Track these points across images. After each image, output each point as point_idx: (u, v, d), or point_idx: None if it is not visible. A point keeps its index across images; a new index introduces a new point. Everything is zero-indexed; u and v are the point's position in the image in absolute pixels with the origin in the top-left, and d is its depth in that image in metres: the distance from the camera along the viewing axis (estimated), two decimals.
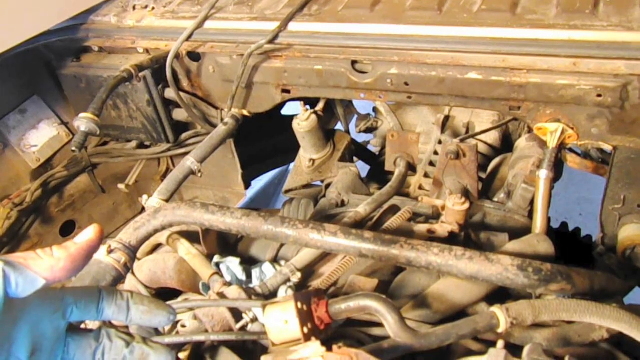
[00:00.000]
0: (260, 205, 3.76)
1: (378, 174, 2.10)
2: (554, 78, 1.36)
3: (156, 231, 1.24)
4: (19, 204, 1.96)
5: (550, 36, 1.37)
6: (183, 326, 1.26)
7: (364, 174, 2.22)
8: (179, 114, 1.91)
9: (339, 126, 2.32)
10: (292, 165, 2.06)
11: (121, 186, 2.13)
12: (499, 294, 1.17)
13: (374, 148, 2.46)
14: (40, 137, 2.05)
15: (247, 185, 2.19)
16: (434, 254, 1.03)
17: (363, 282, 1.19)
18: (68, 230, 2.20)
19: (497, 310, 0.96)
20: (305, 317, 0.96)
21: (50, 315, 0.73)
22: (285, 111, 2.17)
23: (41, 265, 0.69)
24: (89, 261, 0.76)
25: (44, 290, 0.69)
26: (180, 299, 1.36)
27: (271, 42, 1.63)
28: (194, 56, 1.80)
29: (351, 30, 1.59)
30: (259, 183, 3.84)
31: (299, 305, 0.96)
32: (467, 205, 1.28)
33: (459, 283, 1.12)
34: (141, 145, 2.12)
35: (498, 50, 1.41)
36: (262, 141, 2.44)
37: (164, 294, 1.45)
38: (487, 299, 1.14)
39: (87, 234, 0.77)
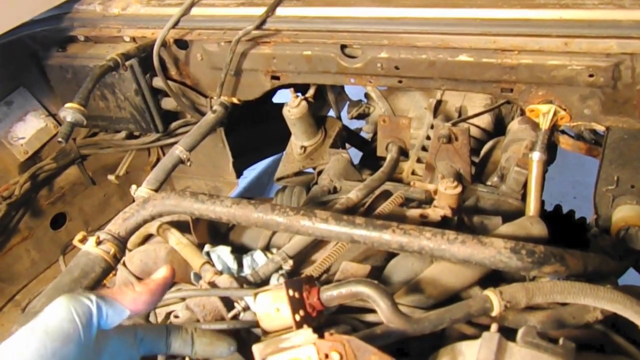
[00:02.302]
0: (254, 194, 3.75)
1: (370, 161, 2.08)
2: (545, 59, 1.35)
3: (146, 221, 1.24)
4: (7, 197, 1.94)
5: (540, 16, 1.35)
6: (176, 317, 1.25)
7: (356, 161, 2.21)
8: (168, 103, 1.88)
9: (331, 113, 2.30)
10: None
11: (111, 177, 2.11)
12: (493, 278, 1.16)
13: (366, 134, 2.44)
14: (28, 129, 2.02)
15: (239, 174, 2.17)
16: (426, 238, 1.02)
17: (355, 268, 1.18)
18: (59, 223, 2.18)
19: (490, 293, 0.95)
20: (297, 304, 0.95)
21: (126, 348, 0.81)
22: (277, 99, 2.15)
23: (126, 298, 0.78)
24: (164, 295, 0.87)
25: (119, 326, 0.78)
26: (173, 289, 1.35)
27: (259, 27, 1.60)
28: (182, 44, 1.77)
29: (340, 13, 1.57)
30: (252, 172, 3.83)
31: (291, 292, 0.94)
32: (459, 189, 1.27)
33: (452, 267, 1.11)
34: (130, 136, 2.10)
35: (488, 31, 1.39)
36: (254, 130, 2.42)
37: None
38: (481, 282, 1.13)
39: (162, 272, 0.88)
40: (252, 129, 2.46)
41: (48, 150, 2.10)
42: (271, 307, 0.94)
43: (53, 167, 2.07)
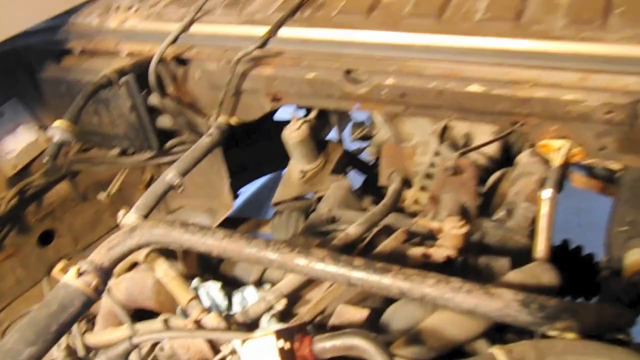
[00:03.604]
0: (252, 209, 3.69)
1: (373, 185, 2.01)
2: (561, 93, 1.28)
3: (132, 251, 1.18)
4: None
5: (557, 48, 1.29)
6: (162, 349, 1.18)
7: (358, 184, 2.14)
8: (164, 121, 1.81)
9: (333, 133, 2.24)
10: (284, 171, 1.98)
11: (101, 196, 2.03)
12: (499, 327, 1.09)
13: (369, 157, 2.38)
14: (18, 142, 1.95)
15: (235, 196, 2.09)
16: (429, 285, 0.96)
17: (352, 312, 1.10)
18: (47, 240, 2.11)
19: (498, 351, 0.89)
20: (287, 355, 0.89)
21: None
22: (278, 115, 2.07)
23: None
24: None
25: None
26: (158, 319, 1.28)
27: (261, 48, 1.55)
28: (181, 61, 1.71)
29: (345, 37, 1.51)
30: (251, 187, 3.76)
31: (281, 343, 0.89)
32: (465, 229, 1.20)
33: (456, 317, 1.05)
34: (124, 152, 2.02)
35: (501, 62, 1.33)
36: (252, 147, 2.35)
37: (142, 313, 1.38)
38: (486, 333, 1.06)
39: None
40: (250, 147, 2.39)
41: (38, 165, 2.03)
42: (259, 357, 0.88)
43: (42, 182, 2.00)
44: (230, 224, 2.46)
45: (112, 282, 1.42)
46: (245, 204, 3.78)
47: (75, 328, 1.37)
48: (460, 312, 0.97)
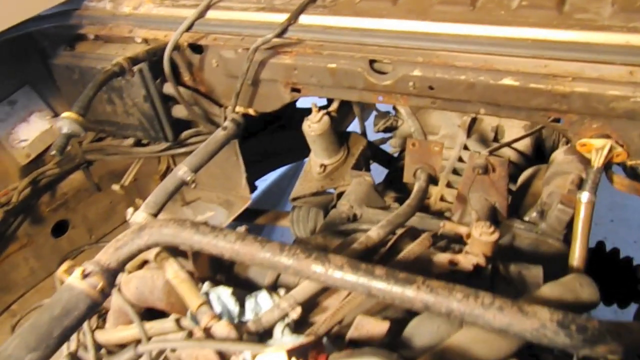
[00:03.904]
0: (272, 199, 3.63)
1: (396, 179, 1.92)
2: (605, 88, 1.18)
3: (140, 251, 1.14)
4: (5, 203, 1.82)
5: (603, 39, 1.18)
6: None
7: (381, 177, 2.05)
8: (179, 111, 1.74)
9: (355, 124, 2.14)
10: (305, 160, 1.89)
11: (115, 187, 1.98)
12: (532, 346, 1.00)
13: (392, 149, 2.28)
14: (31, 130, 1.89)
15: (253, 189, 2.02)
16: (457, 299, 0.88)
17: (372, 324, 1.02)
18: (61, 230, 2.06)
19: None
20: None
21: None
22: (300, 103, 1.99)
23: None
24: None
25: None
26: (170, 320, 1.22)
27: (279, 35, 1.47)
28: (196, 48, 1.63)
29: (370, 25, 1.42)
30: (272, 175, 3.70)
31: None
32: (496, 236, 1.11)
33: (486, 335, 0.95)
34: (139, 143, 1.96)
35: (539, 54, 1.23)
36: (270, 136, 2.28)
37: (154, 313, 1.33)
38: (518, 353, 0.97)
39: None
40: (272, 135, 2.32)
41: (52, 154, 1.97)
42: None
43: (56, 172, 1.95)
44: (249, 215, 2.40)
45: (122, 280, 1.37)
46: (266, 192, 3.72)
47: (85, 324, 1.33)
48: (490, 330, 0.89)
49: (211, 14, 1.59)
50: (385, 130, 2.28)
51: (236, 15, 1.57)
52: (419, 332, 1.02)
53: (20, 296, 1.97)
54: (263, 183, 3.79)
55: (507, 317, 0.85)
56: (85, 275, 1.04)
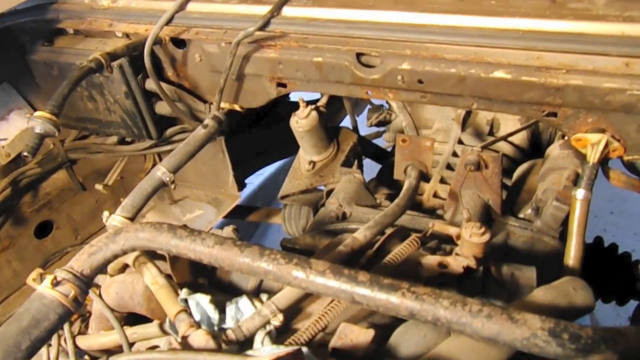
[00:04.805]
0: (270, 193, 3.58)
1: (389, 175, 1.86)
2: (600, 80, 1.13)
3: (116, 256, 1.09)
4: None
5: (597, 30, 1.14)
6: None
7: (375, 172, 2.00)
8: (162, 108, 1.69)
9: (347, 119, 2.09)
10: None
11: (98, 187, 1.92)
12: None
13: (386, 143, 2.23)
14: (11, 129, 1.84)
15: (242, 186, 1.97)
16: (444, 307, 0.84)
17: (356, 332, 0.98)
18: (45, 231, 2.01)
19: None
20: None
21: None
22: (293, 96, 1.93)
23: None
24: None
25: None
26: (154, 322, 1.18)
27: (262, 28, 1.41)
28: (179, 43, 1.57)
29: (356, 17, 1.37)
30: (268, 169, 3.66)
31: None
32: (486, 237, 1.06)
33: (474, 343, 0.91)
34: (123, 140, 1.91)
35: (532, 45, 1.18)
36: (263, 130, 2.22)
37: (135, 317, 1.28)
38: None
39: None
40: (264, 130, 2.26)
41: None
42: None
43: (38, 171, 1.90)
44: (241, 212, 2.35)
45: (102, 284, 1.33)
46: (261, 187, 3.68)
47: (67, 329, 1.28)
48: (478, 339, 0.84)
49: (192, 7, 1.53)
50: (379, 124, 2.23)
51: (218, 8, 1.51)
52: (405, 341, 0.98)
53: (4, 299, 1.92)
54: (259, 177, 3.75)
55: (496, 326, 0.81)
56: (56, 283, 1.00)
